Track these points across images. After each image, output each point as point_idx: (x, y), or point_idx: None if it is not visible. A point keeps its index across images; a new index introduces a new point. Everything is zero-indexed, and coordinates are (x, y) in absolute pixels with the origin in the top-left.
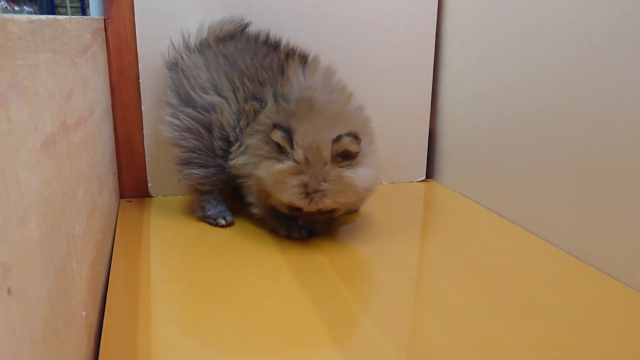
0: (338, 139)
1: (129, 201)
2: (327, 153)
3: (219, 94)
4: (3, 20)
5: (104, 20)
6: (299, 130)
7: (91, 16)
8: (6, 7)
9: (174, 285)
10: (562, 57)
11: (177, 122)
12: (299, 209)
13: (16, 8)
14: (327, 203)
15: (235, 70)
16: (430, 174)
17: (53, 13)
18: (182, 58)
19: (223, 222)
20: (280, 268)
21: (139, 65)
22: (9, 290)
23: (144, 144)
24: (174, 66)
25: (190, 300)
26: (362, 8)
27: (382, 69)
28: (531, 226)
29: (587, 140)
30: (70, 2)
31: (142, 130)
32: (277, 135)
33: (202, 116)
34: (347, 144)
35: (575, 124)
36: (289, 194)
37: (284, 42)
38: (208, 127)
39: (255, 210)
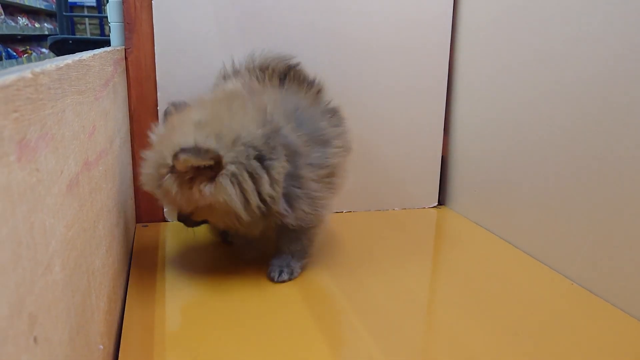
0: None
1: (145, 225)
2: None
3: None
4: (34, 73)
5: (125, 50)
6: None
7: (112, 45)
8: (27, 24)
9: (188, 314)
10: (577, 85)
11: None
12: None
13: (36, 25)
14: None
15: None
16: (442, 200)
17: (73, 32)
18: (221, 82)
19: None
20: (292, 296)
21: (158, 94)
22: (35, 339)
23: None
24: (214, 87)
25: (205, 330)
26: (376, 33)
27: (395, 93)
28: (544, 257)
29: (602, 171)
30: (89, 20)
31: None
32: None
33: None
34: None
35: (589, 153)
36: None
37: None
38: None
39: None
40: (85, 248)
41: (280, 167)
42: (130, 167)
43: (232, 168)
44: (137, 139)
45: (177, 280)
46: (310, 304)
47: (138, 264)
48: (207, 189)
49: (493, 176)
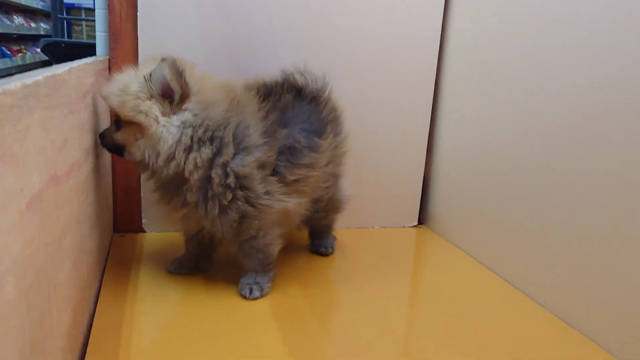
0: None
1: (122, 235)
2: None
3: None
4: None
5: (109, 60)
6: None
7: (97, 54)
8: (23, 24)
9: (159, 328)
10: (558, 113)
11: None
12: None
13: (32, 25)
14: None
15: None
16: (422, 219)
17: (69, 34)
18: None
19: None
20: (263, 314)
21: None
22: None
23: (140, 181)
24: None
25: (175, 345)
26: (363, 53)
27: (380, 113)
28: (518, 282)
29: (579, 200)
30: (85, 21)
31: None
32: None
33: None
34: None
35: (568, 181)
36: None
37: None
38: None
39: None
40: (47, 263)
41: (205, 154)
42: (110, 177)
43: (187, 116)
44: None
45: (151, 294)
46: (281, 323)
47: (111, 275)
48: (154, 109)
49: (473, 199)
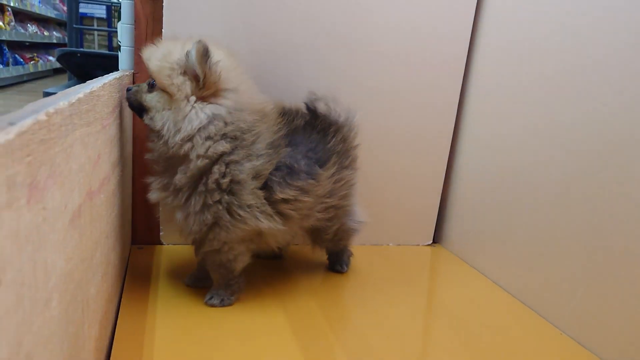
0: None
1: (140, 247)
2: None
3: None
4: (49, 114)
5: (133, 74)
6: None
7: (121, 68)
8: (36, 32)
9: (178, 340)
10: (576, 138)
11: None
12: None
13: (45, 33)
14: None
15: None
16: (437, 238)
17: (81, 42)
18: None
19: None
20: (282, 329)
21: None
22: None
23: None
24: None
25: (194, 355)
26: (388, 76)
27: (401, 133)
28: (534, 304)
29: (596, 224)
30: (97, 31)
31: None
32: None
33: None
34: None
35: (585, 205)
36: None
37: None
38: None
39: None
40: (82, 278)
41: (222, 146)
42: (130, 189)
43: (220, 111)
44: (138, 160)
45: (169, 306)
46: (298, 337)
47: (131, 288)
48: (186, 86)
49: (488, 220)
